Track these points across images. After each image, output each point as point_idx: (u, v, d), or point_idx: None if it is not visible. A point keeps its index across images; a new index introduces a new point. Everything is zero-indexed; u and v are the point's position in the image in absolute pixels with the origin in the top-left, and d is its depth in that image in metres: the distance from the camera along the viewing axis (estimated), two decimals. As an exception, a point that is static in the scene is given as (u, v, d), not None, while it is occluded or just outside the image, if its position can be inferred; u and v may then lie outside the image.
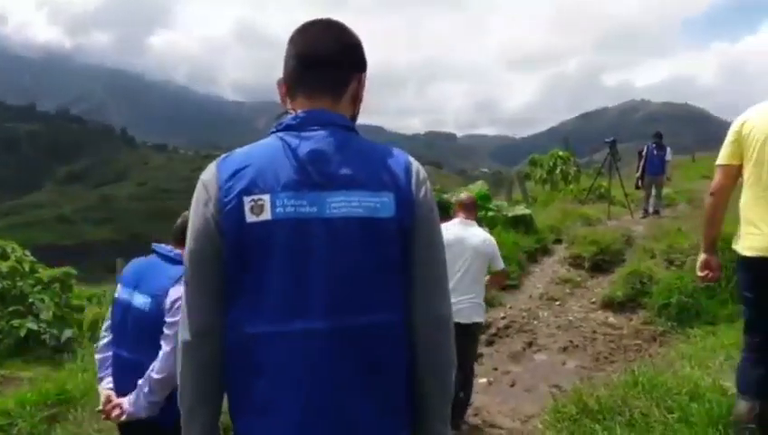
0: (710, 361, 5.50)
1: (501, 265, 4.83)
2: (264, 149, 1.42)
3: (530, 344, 6.99)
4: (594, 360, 6.57)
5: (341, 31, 1.50)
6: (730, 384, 3.37)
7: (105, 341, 2.87)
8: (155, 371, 2.54)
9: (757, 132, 2.72)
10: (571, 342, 7.02)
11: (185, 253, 1.44)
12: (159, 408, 2.59)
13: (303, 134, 1.41)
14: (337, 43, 1.49)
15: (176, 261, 2.64)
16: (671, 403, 3.20)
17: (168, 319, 2.53)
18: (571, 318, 7.80)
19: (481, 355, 6.76)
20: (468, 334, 4.39)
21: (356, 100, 1.53)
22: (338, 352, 1.35)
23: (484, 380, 6.00)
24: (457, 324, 4.31)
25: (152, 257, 2.78)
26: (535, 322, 7.73)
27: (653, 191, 12.55)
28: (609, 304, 8.00)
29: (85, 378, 5.15)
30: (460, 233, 4.53)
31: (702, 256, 3.07)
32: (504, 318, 7.90)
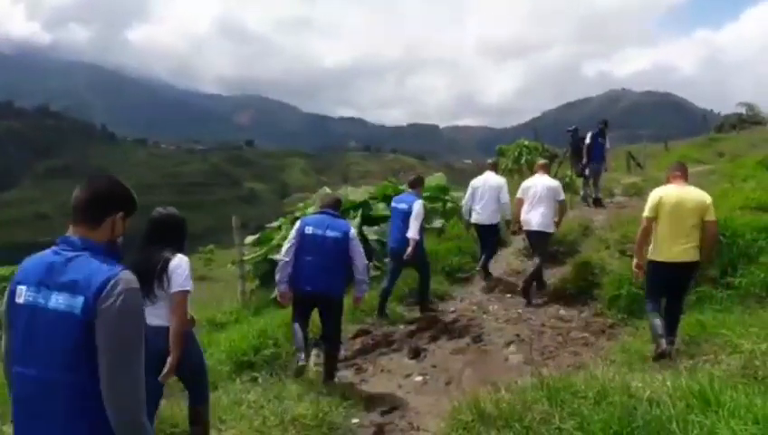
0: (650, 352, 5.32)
1: (561, 196, 8.14)
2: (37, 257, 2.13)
3: (475, 339, 6.75)
4: (540, 354, 6.34)
5: (97, 184, 2.14)
6: (641, 385, 3.15)
7: (288, 258, 5.10)
8: (365, 269, 5.23)
9: (667, 203, 5.27)
10: (517, 336, 6.79)
11: None
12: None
13: (55, 249, 2.10)
14: (91, 192, 2.12)
15: (337, 215, 5.23)
16: (575, 407, 2.96)
17: (352, 246, 5.00)
18: (520, 311, 7.59)
19: (424, 350, 6.54)
20: (541, 237, 7.98)
21: (114, 228, 2.12)
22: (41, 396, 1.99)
23: (419, 378, 5.76)
24: (537, 231, 8.04)
25: (320, 215, 5.22)
26: (484, 315, 7.52)
27: (591, 180, 12.26)
28: (561, 297, 7.81)
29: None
30: (538, 180, 8.20)
31: (634, 262, 5.66)
32: (453, 312, 7.69)
